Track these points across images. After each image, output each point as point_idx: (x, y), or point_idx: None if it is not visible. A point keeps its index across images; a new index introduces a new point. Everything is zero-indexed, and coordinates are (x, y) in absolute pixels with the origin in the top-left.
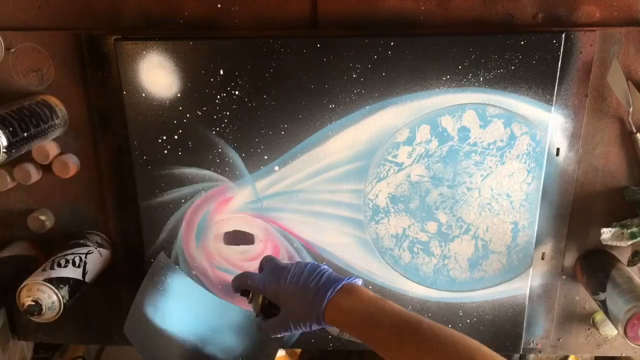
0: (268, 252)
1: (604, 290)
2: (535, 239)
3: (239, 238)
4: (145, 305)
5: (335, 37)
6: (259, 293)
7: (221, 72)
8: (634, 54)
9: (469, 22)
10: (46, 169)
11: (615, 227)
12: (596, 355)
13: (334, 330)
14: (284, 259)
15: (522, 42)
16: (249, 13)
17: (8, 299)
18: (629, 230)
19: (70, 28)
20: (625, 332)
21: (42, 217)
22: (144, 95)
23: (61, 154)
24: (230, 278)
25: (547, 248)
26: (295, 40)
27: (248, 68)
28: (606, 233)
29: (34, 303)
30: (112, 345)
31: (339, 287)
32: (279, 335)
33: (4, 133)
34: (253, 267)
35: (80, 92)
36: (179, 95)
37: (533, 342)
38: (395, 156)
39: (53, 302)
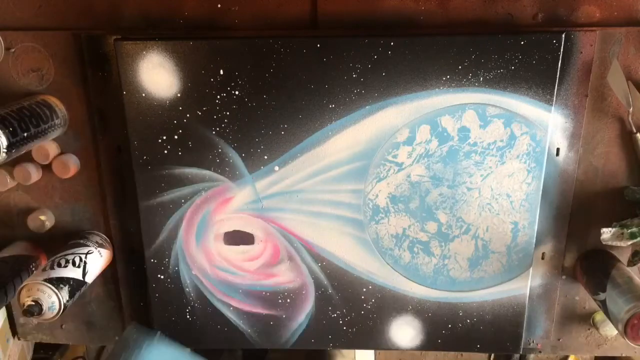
0: (268, 252)
1: (604, 290)
2: (535, 239)
3: (239, 238)
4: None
5: (335, 37)
6: None
7: (221, 72)
8: (634, 54)
9: (469, 22)
10: (46, 169)
11: (615, 227)
12: (596, 355)
13: None
14: (284, 259)
15: (522, 42)
16: (249, 13)
17: (8, 299)
18: (629, 230)
19: (70, 28)
20: (625, 332)
21: (42, 217)
22: (144, 95)
23: (61, 154)
24: (230, 278)
25: (547, 248)
26: (295, 40)
27: (248, 68)
28: (606, 233)
29: (34, 303)
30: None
31: None
32: None
33: (4, 133)
34: (253, 267)
35: (80, 92)
36: (179, 95)
37: (533, 342)
38: (395, 156)
39: (53, 302)
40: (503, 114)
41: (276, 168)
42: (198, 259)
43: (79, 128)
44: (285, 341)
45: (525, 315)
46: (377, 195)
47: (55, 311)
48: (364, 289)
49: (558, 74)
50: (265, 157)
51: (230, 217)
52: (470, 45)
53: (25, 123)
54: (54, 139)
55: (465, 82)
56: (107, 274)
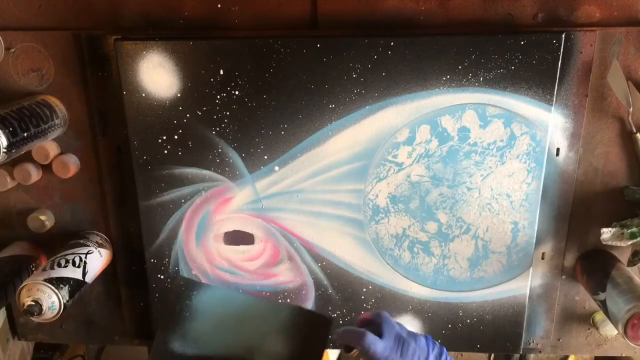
0: (268, 252)
1: (604, 290)
2: (535, 239)
3: (239, 238)
4: (170, 342)
5: (335, 37)
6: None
7: (221, 72)
8: (634, 54)
9: (469, 22)
10: (46, 169)
11: (615, 227)
12: (596, 355)
13: None
14: (284, 259)
15: (522, 42)
16: (249, 13)
17: (8, 299)
18: (629, 230)
19: (70, 28)
20: (625, 332)
21: (42, 217)
22: (144, 95)
23: (61, 154)
24: (230, 278)
25: (547, 248)
26: (295, 40)
27: (248, 68)
28: (606, 233)
29: (34, 303)
30: (112, 345)
31: None
32: None
33: (4, 133)
34: (253, 267)
35: (80, 92)
36: (179, 95)
37: (533, 342)
38: (395, 156)
39: (53, 302)
40: (503, 114)
41: (276, 168)
42: (198, 259)
43: (79, 128)
44: None
45: (525, 315)
46: (377, 195)
47: (55, 311)
48: (364, 289)
49: (558, 74)
50: (265, 157)
51: (230, 217)
52: (470, 45)
53: (25, 123)
54: (54, 139)
55: (465, 82)
56: (107, 274)
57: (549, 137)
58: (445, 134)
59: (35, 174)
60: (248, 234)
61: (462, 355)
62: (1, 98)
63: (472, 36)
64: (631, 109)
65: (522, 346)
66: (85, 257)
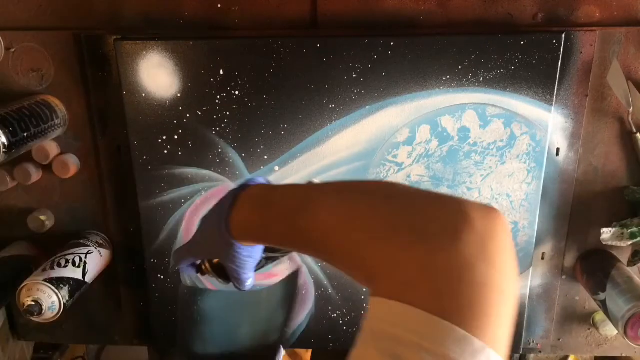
0: None
1: (604, 290)
2: (535, 239)
3: None
4: (191, 348)
5: (335, 37)
6: (198, 258)
7: (221, 72)
8: (634, 54)
9: (469, 22)
10: (46, 169)
11: (615, 227)
12: (596, 355)
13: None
14: (284, 259)
15: (522, 42)
16: (249, 13)
17: (8, 299)
18: (629, 230)
19: (70, 28)
20: (625, 332)
21: (42, 217)
22: (144, 95)
23: (61, 154)
24: None
25: (547, 248)
26: (295, 40)
27: (248, 68)
28: (606, 233)
29: (34, 303)
30: (112, 345)
31: (234, 201)
32: (242, 280)
33: (4, 133)
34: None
35: (80, 92)
36: (179, 95)
37: (533, 342)
38: (395, 156)
39: (53, 302)
40: (503, 114)
41: (276, 168)
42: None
43: (79, 128)
44: (285, 341)
45: (525, 315)
46: None
47: (55, 311)
48: (364, 289)
49: (558, 74)
50: (265, 157)
51: None
52: (470, 45)
53: (25, 123)
54: (54, 139)
55: (465, 82)
56: (107, 274)
57: (549, 137)
58: (445, 134)
59: (35, 174)
60: None
61: None
62: (1, 98)
63: (472, 36)
64: (631, 109)
65: (522, 346)
66: (85, 257)
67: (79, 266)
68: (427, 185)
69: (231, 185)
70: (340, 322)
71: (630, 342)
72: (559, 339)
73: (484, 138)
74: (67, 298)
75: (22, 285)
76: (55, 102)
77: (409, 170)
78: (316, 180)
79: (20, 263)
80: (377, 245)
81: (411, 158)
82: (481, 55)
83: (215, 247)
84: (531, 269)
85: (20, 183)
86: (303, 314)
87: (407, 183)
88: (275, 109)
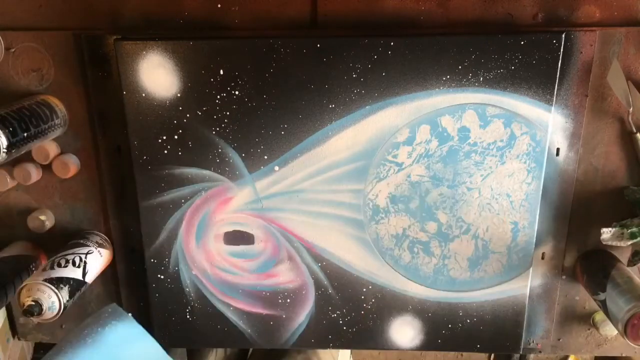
0: (268, 252)
1: (604, 290)
2: (535, 239)
3: (239, 238)
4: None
5: (335, 37)
6: None
7: (221, 72)
8: (634, 54)
9: (469, 22)
10: (46, 169)
11: (615, 227)
12: (596, 355)
13: None
14: (284, 259)
15: (522, 42)
16: (249, 13)
17: (8, 299)
18: (629, 230)
19: (70, 28)
20: (625, 332)
21: (42, 217)
22: (144, 95)
23: (61, 154)
24: (230, 278)
25: (547, 248)
26: (295, 40)
27: (248, 68)
28: (606, 233)
29: (34, 303)
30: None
31: None
32: None
33: (4, 133)
34: (253, 267)
35: (80, 92)
36: (179, 95)
37: (533, 342)
38: (395, 156)
39: (53, 302)
40: (503, 114)
41: (276, 168)
42: (198, 259)
43: (79, 128)
44: (285, 341)
45: (525, 315)
46: (377, 195)
47: (55, 311)
48: (364, 289)
49: (558, 74)
50: (265, 157)
51: (230, 217)
52: (470, 45)
53: (25, 123)
54: (54, 139)
55: (465, 82)
56: (107, 274)
57: (549, 137)
58: (445, 134)
59: (35, 174)
60: (248, 234)
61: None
62: (1, 98)
63: (472, 36)
64: (631, 109)
65: (522, 346)
66: (85, 257)
67: (79, 266)
68: (427, 185)
69: (231, 185)
70: (340, 322)
71: (630, 342)
72: (559, 339)
73: (484, 138)
74: (67, 298)
75: (22, 285)
76: (55, 102)
77: (409, 170)
78: None
79: (20, 263)
80: None
81: (411, 158)
82: (481, 55)
83: None
84: (531, 269)
85: (20, 183)
86: (303, 314)
87: (407, 183)
88: (275, 109)
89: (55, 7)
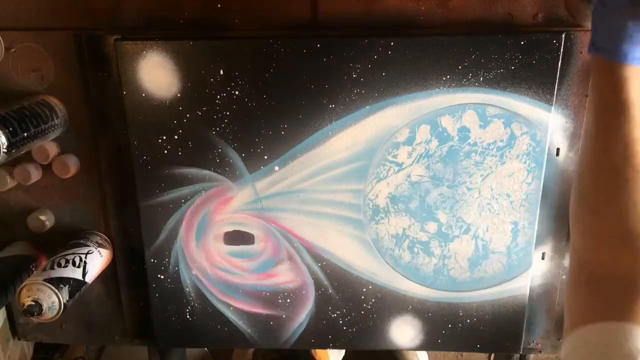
0: (268, 252)
1: None
2: (535, 239)
3: (239, 238)
4: None
5: (335, 37)
6: None
7: (221, 72)
8: None
9: (469, 22)
10: (46, 169)
11: None
12: None
13: None
14: (284, 259)
15: (522, 42)
16: (249, 13)
17: (8, 299)
18: None
19: (70, 28)
20: None
21: (42, 217)
22: (144, 95)
23: (61, 154)
24: (230, 278)
25: (547, 248)
26: (295, 41)
27: (248, 68)
28: None
29: (34, 303)
30: (112, 345)
31: None
32: None
33: (4, 133)
34: (253, 267)
35: (80, 92)
36: (179, 95)
37: (533, 342)
38: (395, 156)
39: (53, 302)
40: (503, 114)
41: (276, 168)
42: (198, 259)
43: (79, 128)
44: (285, 341)
45: (525, 315)
46: (377, 195)
47: (55, 311)
48: (364, 289)
49: (558, 74)
50: (265, 157)
51: (230, 217)
52: (470, 45)
53: (25, 123)
54: (54, 139)
55: (465, 82)
56: (107, 274)
57: (549, 137)
58: (445, 134)
59: (35, 174)
60: (248, 234)
61: (462, 355)
62: (1, 98)
63: (472, 36)
64: None
65: (522, 346)
66: (85, 257)
67: (79, 266)
68: (427, 185)
69: (231, 185)
70: (340, 322)
71: None
72: (559, 339)
73: (484, 138)
74: (67, 298)
75: (22, 285)
76: (55, 102)
77: (409, 170)
78: None
79: (20, 263)
80: None
81: (411, 158)
82: (481, 55)
83: None
84: (531, 269)
85: (20, 183)
86: (303, 314)
87: (407, 183)
88: (275, 109)
89: (55, 7)
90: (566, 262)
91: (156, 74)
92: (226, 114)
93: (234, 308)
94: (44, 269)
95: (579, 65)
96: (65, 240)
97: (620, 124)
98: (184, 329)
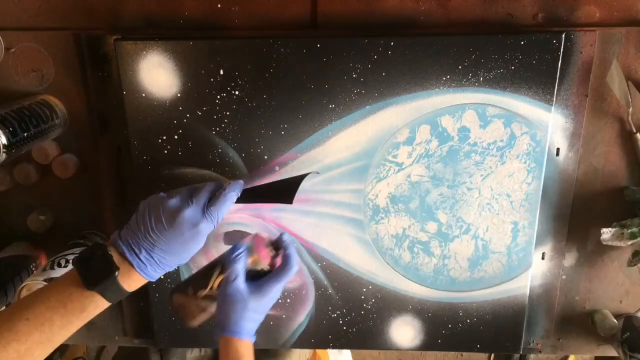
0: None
1: None
2: (535, 239)
3: (239, 238)
4: None
5: (335, 37)
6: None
7: (221, 72)
8: (634, 54)
9: (469, 22)
10: (46, 169)
11: (615, 227)
12: (596, 355)
13: None
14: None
15: (522, 42)
16: (249, 13)
17: (8, 299)
18: (629, 230)
19: (70, 28)
20: None
21: (42, 217)
22: (144, 95)
23: (61, 154)
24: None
25: (547, 248)
26: (295, 40)
27: (248, 68)
28: (606, 233)
29: None
30: (112, 345)
31: None
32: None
33: (4, 133)
34: None
35: (80, 92)
36: (179, 95)
37: (533, 342)
38: (395, 156)
39: None
40: (503, 114)
41: (276, 168)
42: (198, 258)
43: (79, 128)
44: (285, 341)
45: (525, 315)
46: (377, 195)
47: None
48: (364, 289)
49: (558, 74)
50: (265, 157)
51: (230, 217)
52: (470, 45)
53: (25, 123)
54: (54, 139)
55: (465, 82)
56: None
57: (549, 137)
58: (445, 134)
59: (35, 174)
60: (248, 234)
61: (462, 355)
62: (1, 98)
63: (472, 36)
64: (631, 109)
65: (522, 346)
66: None
67: None
68: (427, 185)
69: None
70: (340, 322)
71: None
72: (559, 339)
73: (484, 138)
74: None
75: (22, 285)
76: (55, 102)
77: (409, 170)
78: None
79: (20, 263)
80: None
81: (411, 158)
82: (481, 55)
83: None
84: (531, 269)
85: (20, 183)
86: (303, 314)
87: (407, 183)
88: (275, 109)
89: (55, 7)
90: (566, 262)
91: (156, 74)
92: (226, 114)
93: None
94: (44, 269)
95: (579, 65)
96: (65, 240)
97: None
98: (184, 329)
